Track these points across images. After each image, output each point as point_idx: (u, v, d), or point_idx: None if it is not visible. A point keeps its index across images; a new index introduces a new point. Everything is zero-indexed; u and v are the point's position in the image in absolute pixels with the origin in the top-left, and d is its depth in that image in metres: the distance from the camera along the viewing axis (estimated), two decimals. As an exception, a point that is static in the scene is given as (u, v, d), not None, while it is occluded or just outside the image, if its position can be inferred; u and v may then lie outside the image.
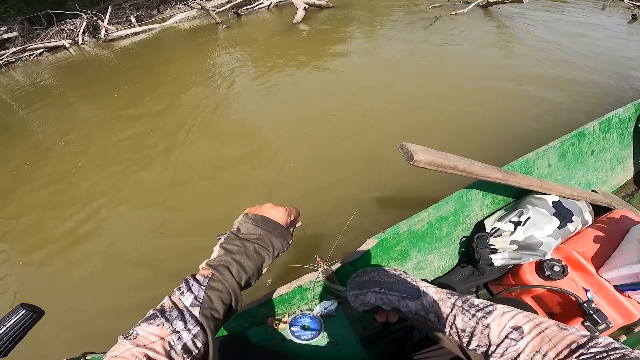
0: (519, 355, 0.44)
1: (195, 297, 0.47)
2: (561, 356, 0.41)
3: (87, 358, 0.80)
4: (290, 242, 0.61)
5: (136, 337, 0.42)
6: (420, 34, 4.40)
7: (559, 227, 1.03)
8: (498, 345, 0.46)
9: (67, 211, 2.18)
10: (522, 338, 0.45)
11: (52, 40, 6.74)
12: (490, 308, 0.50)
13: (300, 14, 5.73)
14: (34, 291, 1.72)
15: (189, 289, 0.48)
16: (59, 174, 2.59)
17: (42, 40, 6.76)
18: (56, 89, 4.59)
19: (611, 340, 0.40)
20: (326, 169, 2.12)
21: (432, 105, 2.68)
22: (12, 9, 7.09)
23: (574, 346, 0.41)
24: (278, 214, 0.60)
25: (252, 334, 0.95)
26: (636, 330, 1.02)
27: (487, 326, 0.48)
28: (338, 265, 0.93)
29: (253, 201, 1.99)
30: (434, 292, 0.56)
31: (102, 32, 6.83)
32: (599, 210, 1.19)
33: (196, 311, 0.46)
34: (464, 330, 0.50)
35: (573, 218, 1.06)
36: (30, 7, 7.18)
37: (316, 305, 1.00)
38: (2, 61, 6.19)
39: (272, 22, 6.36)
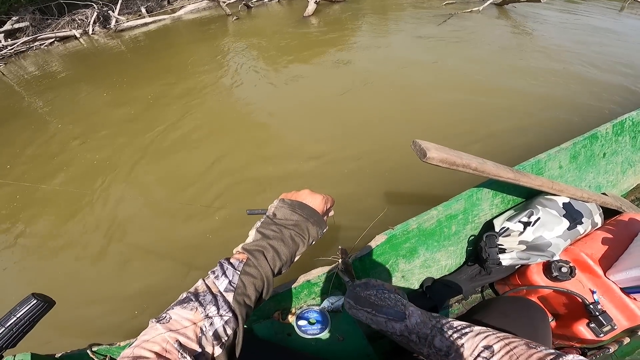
0: None
1: (230, 282, 0.46)
2: None
3: (93, 349, 0.80)
4: (325, 229, 0.60)
5: (169, 320, 0.41)
6: (433, 31, 4.35)
7: (569, 229, 1.02)
8: None
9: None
10: (492, 356, 0.46)
11: (63, 30, 6.79)
12: (466, 330, 0.52)
13: (311, 7, 5.69)
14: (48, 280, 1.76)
15: (224, 273, 0.47)
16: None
17: (52, 30, 6.80)
18: (65, 76, 4.63)
19: (579, 357, 0.40)
20: (341, 161, 2.12)
21: (448, 103, 2.65)
22: (25, -1, 7.14)
23: None
24: (315, 201, 0.59)
25: (258, 328, 0.95)
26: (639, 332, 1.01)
27: (462, 345, 0.50)
28: (350, 256, 0.94)
29: (264, 189, 1.98)
30: (418, 315, 0.59)
31: (113, 22, 6.85)
32: (608, 212, 1.19)
33: (230, 297, 0.45)
34: (440, 350, 0.53)
35: (583, 220, 1.05)
36: (42, -4, 7.21)
37: (323, 300, 1.01)
38: (13, 50, 6.25)
39: (283, 15, 6.32)
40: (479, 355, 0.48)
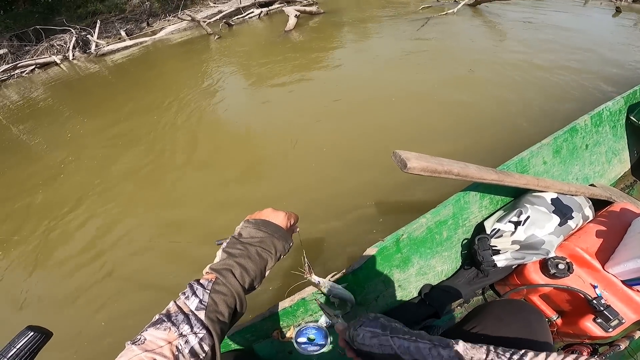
0: None
1: (200, 301, 0.47)
2: None
3: None
4: (291, 244, 0.62)
5: (144, 342, 0.42)
6: (412, 35, 4.44)
7: (560, 225, 1.02)
8: None
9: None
10: None
11: (43, 56, 6.72)
12: (523, 356, 0.48)
13: (292, 21, 5.75)
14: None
15: (194, 293, 0.48)
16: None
17: (32, 57, 6.73)
18: (49, 104, 4.58)
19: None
20: (319, 176, 2.12)
21: (432, 107, 2.68)
22: (-1, 25, 7.07)
23: None
24: (278, 218, 0.61)
25: (259, 348, 0.94)
26: None
27: None
28: (339, 275, 0.92)
29: (244, 211, 1.97)
30: (462, 342, 0.54)
31: (93, 46, 6.81)
32: (599, 204, 1.19)
33: (202, 314, 0.46)
34: None
35: (573, 214, 1.05)
36: (18, 23, 7.15)
37: (321, 316, 0.99)
38: (-7, 80, 6.16)
39: (264, 31, 6.38)
40: None
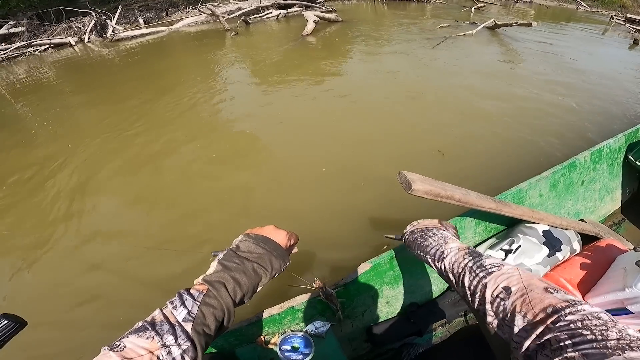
0: (506, 315, 0.45)
1: (189, 312, 0.46)
2: (537, 319, 0.41)
3: None
4: (288, 263, 0.62)
5: (123, 349, 0.40)
6: (428, 53, 4.48)
7: (548, 256, 1.05)
8: (491, 304, 0.48)
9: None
10: (508, 298, 0.46)
11: (59, 37, 6.77)
12: (493, 269, 0.52)
13: (310, 26, 5.77)
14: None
15: (183, 304, 0.47)
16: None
17: (48, 37, 6.79)
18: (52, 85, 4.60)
19: (597, 310, 0.38)
20: (320, 186, 2.13)
21: (446, 127, 2.71)
22: (24, 4, 7.12)
23: (549, 310, 0.40)
24: (279, 236, 0.61)
25: (241, 352, 0.93)
26: None
27: (485, 285, 0.51)
28: (332, 288, 0.94)
29: (242, 214, 1.93)
30: (454, 253, 0.62)
31: (110, 31, 6.87)
32: (587, 238, 1.22)
33: (188, 326, 0.45)
34: (469, 288, 0.54)
35: (562, 247, 1.09)
36: (42, 2, 7.21)
37: (307, 325, 1.00)
38: (5, 55, 6.19)
39: (281, 33, 6.43)
40: (497, 296, 0.48)
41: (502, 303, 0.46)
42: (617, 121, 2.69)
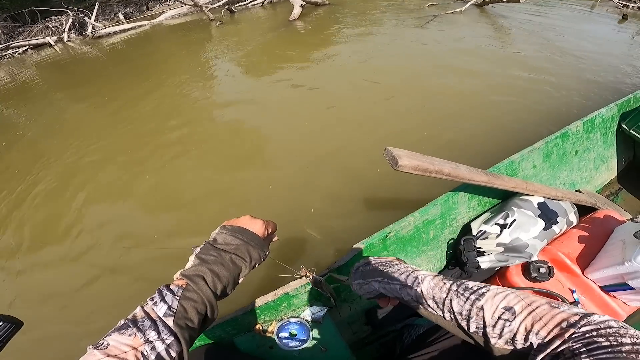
0: (515, 335, 0.44)
1: (169, 307, 0.46)
2: (552, 334, 0.41)
3: None
4: (268, 253, 0.62)
5: (107, 347, 0.41)
6: (418, 32, 4.42)
7: (544, 229, 1.03)
8: (494, 327, 0.47)
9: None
10: (514, 318, 0.45)
11: (37, 37, 6.56)
12: (483, 290, 0.51)
13: (297, 10, 5.66)
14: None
15: (163, 299, 0.47)
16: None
17: (25, 38, 6.57)
18: (38, 85, 4.47)
19: (606, 318, 0.39)
20: (310, 170, 2.12)
21: (431, 103, 2.70)
22: (-6, 6, 6.87)
23: (564, 325, 0.41)
24: (256, 226, 0.61)
25: (240, 341, 0.94)
26: None
27: (481, 308, 0.49)
28: (325, 272, 0.92)
29: (235, 204, 1.93)
30: (430, 279, 0.58)
31: (89, 29, 6.66)
32: (583, 210, 1.21)
33: (170, 321, 0.45)
34: (460, 314, 0.51)
35: (558, 219, 1.07)
36: (14, 3, 6.97)
37: (303, 311, 0.99)
38: (-16, 59, 6.01)
39: (268, 19, 6.29)
40: (500, 317, 0.46)
41: (508, 324, 0.45)
42: (607, 93, 2.67)
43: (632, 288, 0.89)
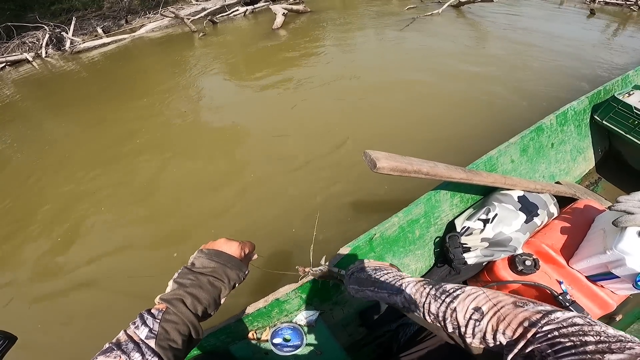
0: (484, 334, 0.47)
1: (150, 330, 0.48)
2: (517, 334, 0.42)
3: None
4: (247, 272, 0.65)
5: None
6: (399, 35, 4.52)
7: (526, 222, 1.05)
8: (466, 327, 0.49)
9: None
10: (482, 318, 0.47)
11: (13, 54, 6.40)
12: (457, 292, 0.54)
13: (279, 19, 5.71)
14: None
15: (144, 323, 0.49)
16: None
17: (2, 54, 6.41)
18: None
19: (570, 315, 0.39)
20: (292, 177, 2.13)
21: (412, 107, 2.75)
22: (-32, 24, 6.68)
23: (526, 324, 0.42)
24: (232, 248, 0.63)
25: (235, 349, 0.94)
26: (617, 319, 1.02)
27: (454, 310, 0.51)
28: (310, 277, 0.92)
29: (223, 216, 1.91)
30: (412, 285, 0.61)
31: (67, 44, 6.53)
32: (563, 201, 1.23)
33: (152, 342, 0.47)
34: (437, 316, 0.54)
35: (539, 211, 1.09)
36: (-12, 21, 6.80)
37: (296, 316, 0.99)
38: (-41, 78, 5.82)
39: (251, 29, 6.30)
40: (470, 317, 0.49)
41: (478, 324, 0.48)
42: (584, 86, 2.78)
43: (617, 276, 0.89)
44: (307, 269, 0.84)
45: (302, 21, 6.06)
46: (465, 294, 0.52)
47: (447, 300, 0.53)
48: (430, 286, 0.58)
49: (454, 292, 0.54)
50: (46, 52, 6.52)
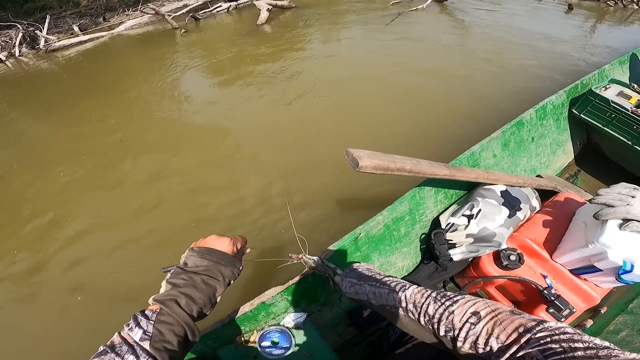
0: (477, 338, 0.48)
1: (145, 332, 0.47)
2: (511, 339, 0.44)
3: None
4: (241, 268, 0.63)
5: None
6: (383, 30, 4.55)
7: (509, 216, 1.06)
8: (460, 329, 0.50)
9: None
10: (479, 322, 0.49)
11: (-15, 54, 6.09)
12: (458, 298, 0.55)
13: (264, 15, 5.63)
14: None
15: (138, 324, 0.48)
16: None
17: (-28, 55, 6.08)
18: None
19: (562, 325, 0.41)
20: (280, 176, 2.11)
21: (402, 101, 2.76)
22: None
23: (521, 329, 0.43)
24: (223, 244, 0.62)
25: (224, 354, 0.93)
26: (602, 312, 1.03)
27: (452, 312, 0.53)
28: (298, 277, 0.91)
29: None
30: (414, 287, 0.63)
31: (42, 42, 6.27)
32: (545, 194, 1.24)
33: (146, 344, 0.46)
34: (433, 317, 0.55)
35: (521, 206, 1.10)
36: (-43, 20, 6.44)
37: (283, 318, 0.98)
38: None
39: (235, 25, 6.18)
40: (467, 320, 0.50)
41: (473, 327, 0.49)
42: (561, 78, 2.85)
43: (600, 270, 0.89)
44: (300, 256, 0.83)
45: (287, 17, 5.98)
46: (466, 299, 0.54)
47: (447, 303, 0.54)
48: (433, 291, 0.60)
49: (454, 297, 0.56)
50: (20, 51, 6.24)
